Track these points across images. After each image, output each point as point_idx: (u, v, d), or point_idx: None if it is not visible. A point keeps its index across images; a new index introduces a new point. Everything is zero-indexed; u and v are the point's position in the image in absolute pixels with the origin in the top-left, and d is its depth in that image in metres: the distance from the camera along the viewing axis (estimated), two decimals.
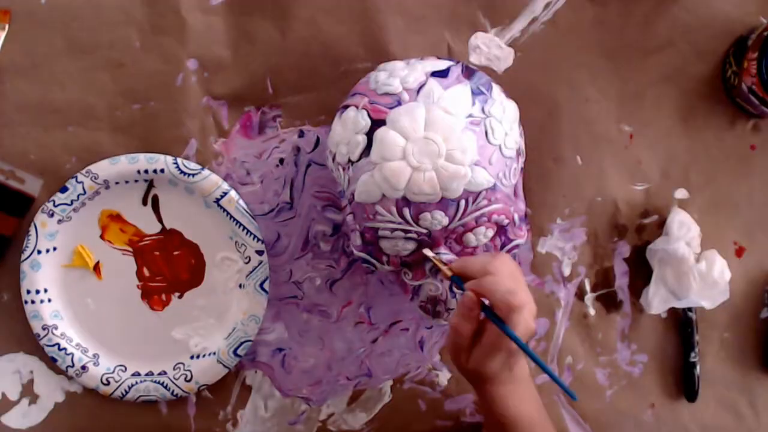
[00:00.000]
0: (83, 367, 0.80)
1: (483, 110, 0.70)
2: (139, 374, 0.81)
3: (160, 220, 0.80)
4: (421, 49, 0.80)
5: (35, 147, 0.79)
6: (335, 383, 0.83)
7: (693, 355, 0.82)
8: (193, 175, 0.79)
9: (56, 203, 0.79)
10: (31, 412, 0.81)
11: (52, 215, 0.79)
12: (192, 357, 0.81)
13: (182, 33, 0.79)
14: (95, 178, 0.78)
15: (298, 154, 0.81)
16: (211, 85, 0.80)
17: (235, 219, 0.79)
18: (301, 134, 0.81)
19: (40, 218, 0.79)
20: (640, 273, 0.82)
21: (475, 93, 0.70)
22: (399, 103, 0.69)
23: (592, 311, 0.83)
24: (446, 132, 0.68)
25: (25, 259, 0.79)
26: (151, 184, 0.80)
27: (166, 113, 0.80)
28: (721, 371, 0.83)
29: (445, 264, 0.69)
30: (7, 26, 0.78)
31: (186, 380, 0.80)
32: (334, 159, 0.73)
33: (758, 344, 0.84)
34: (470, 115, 0.69)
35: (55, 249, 0.80)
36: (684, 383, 0.83)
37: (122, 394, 0.80)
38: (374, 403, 0.83)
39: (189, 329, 0.81)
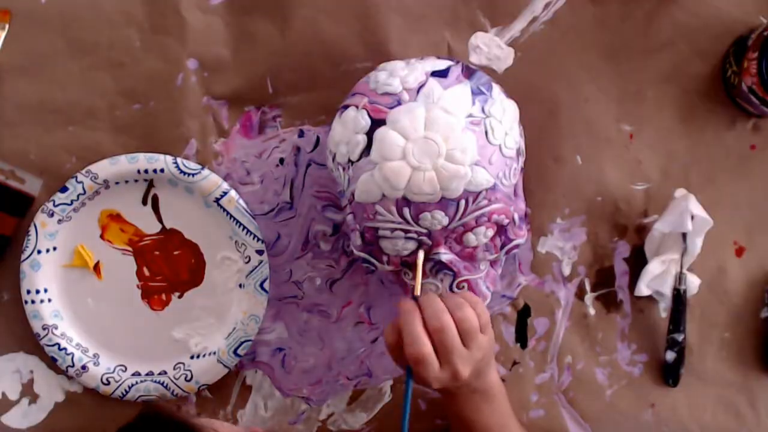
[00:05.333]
0: (83, 367, 0.80)
1: (483, 110, 0.70)
2: (139, 374, 0.81)
3: (160, 219, 0.80)
4: (421, 48, 0.80)
5: (35, 147, 0.79)
6: (335, 383, 0.83)
7: (679, 335, 0.80)
8: (193, 174, 0.79)
9: (56, 203, 0.78)
10: (31, 412, 0.81)
11: (52, 215, 0.79)
12: (192, 357, 0.81)
13: (182, 33, 0.79)
14: (95, 178, 0.78)
15: (298, 154, 0.81)
16: (211, 85, 0.80)
17: (235, 219, 0.79)
18: (301, 134, 0.81)
19: (40, 218, 0.79)
20: (640, 273, 0.82)
21: (475, 93, 0.70)
22: (399, 103, 0.69)
23: (592, 311, 0.83)
24: (446, 132, 0.68)
25: (25, 259, 0.79)
26: (151, 184, 0.80)
27: (166, 113, 0.80)
28: (721, 371, 0.83)
29: (433, 281, 0.72)
30: (7, 26, 0.78)
31: (186, 380, 0.80)
32: (334, 159, 0.73)
33: (758, 344, 0.84)
34: (470, 115, 0.69)
35: (55, 249, 0.79)
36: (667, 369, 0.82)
37: (122, 393, 0.80)
38: (374, 403, 0.83)
39: (189, 329, 0.81)
